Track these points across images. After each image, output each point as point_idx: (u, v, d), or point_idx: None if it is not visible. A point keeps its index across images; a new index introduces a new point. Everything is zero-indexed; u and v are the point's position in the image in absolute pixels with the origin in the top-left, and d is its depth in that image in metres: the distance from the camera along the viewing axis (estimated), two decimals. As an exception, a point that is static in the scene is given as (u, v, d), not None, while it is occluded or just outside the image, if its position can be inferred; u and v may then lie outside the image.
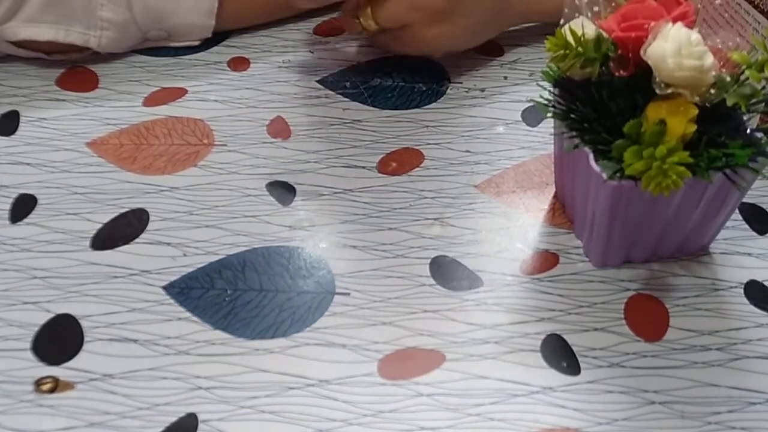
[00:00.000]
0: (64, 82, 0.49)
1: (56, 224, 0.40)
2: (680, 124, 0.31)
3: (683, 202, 0.34)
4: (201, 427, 0.32)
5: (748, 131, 0.33)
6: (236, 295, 0.37)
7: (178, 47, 0.51)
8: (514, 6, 0.48)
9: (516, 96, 0.48)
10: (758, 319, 0.36)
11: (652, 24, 0.31)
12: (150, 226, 0.40)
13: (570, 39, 0.33)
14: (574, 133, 0.34)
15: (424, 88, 0.49)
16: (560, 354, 0.35)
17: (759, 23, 0.37)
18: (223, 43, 0.52)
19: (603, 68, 0.33)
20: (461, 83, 0.49)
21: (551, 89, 0.36)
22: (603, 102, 0.34)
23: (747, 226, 0.40)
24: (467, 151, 0.44)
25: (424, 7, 0.44)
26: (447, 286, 0.37)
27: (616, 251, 0.37)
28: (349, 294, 0.37)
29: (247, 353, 0.35)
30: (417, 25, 0.45)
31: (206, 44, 0.52)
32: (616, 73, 0.33)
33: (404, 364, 0.34)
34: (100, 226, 0.40)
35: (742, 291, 0.37)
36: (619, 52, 0.33)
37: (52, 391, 0.33)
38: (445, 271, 0.38)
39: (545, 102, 0.36)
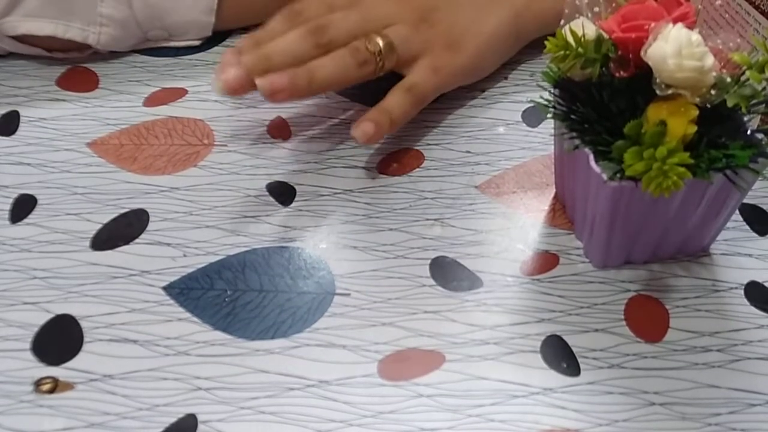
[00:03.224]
0: (64, 82, 0.49)
1: (56, 224, 0.40)
2: (681, 124, 0.30)
3: (683, 203, 0.34)
4: (201, 427, 0.32)
5: (749, 132, 0.33)
6: (236, 296, 0.37)
7: (178, 47, 0.51)
8: (527, 28, 0.48)
9: (516, 96, 0.48)
10: (759, 320, 0.36)
11: (653, 25, 0.31)
12: (150, 227, 0.40)
13: (570, 40, 0.33)
14: (574, 134, 0.34)
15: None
16: (560, 355, 0.35)
17: (760, 24, 0.37)
18: (224, 43, 0.52)
19: (603, 69, 0.33)
20: (461, 84, 0.49)
21: (551, 90, 0.36)
22: (603, 103, 0.34)
23: (747, 227, 0.40)
24: (467, 152, 0.44)
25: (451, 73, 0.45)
26: (447, 286, 0.37)
27: (616, 252, 0.37)
28: (349, 294, 0.37)
29: (247, 354, 0.35)
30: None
31: (207, 44, 0.52)
32: (617, 74, 0.33)
33: (404, 364, 0.34)
34: (100, 226, 0.40)
35: (742, 292, 0.37)
36: (620, 52, 0.33)
37: (51, 391, 0.33)
38: (446, 272, 0.38)
39: (545, 103, 0.36)
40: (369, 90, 0.44)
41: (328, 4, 0.44)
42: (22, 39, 0.48)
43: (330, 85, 0.42)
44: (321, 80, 0.40)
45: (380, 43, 0.42)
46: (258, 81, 0.39)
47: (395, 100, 0.42)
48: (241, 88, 0.40)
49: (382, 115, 0.42)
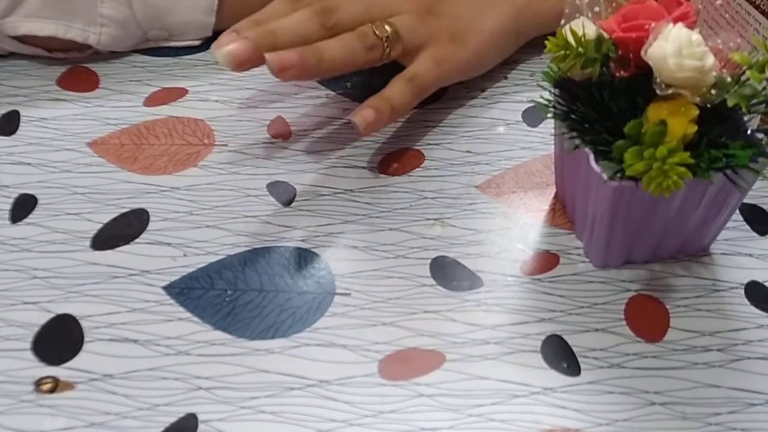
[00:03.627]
0: (64, 82, 0.49)
1: (56, 224, 0.40)
2: (681, 124, 0.30)
3: (684, 202, 0.34)
4: (201, 427, 0.32)
5: (749, 132, 0.33)
6: (236, 296, 0.37)
7: (179, 47, 0.51)
8: (527, 26, 0.48)
9: (517, 96, 0.48)
10: (759, 320, 0.36)
11: (653, 24, 0.31)
12: (150, 226, 0.40)
13: (570, 39, 0.33)
14: (574, 134, 0.34)
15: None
16: (561, 355, 0.35)
17: (760, 24, 0.37)
18: (224, 43, 0.52)
19: (603, 69, 0.33)
20: (462, 83, 0.49)
21: (552, 90, 0.36)
22: (603, 102, 0.34)
23: (748, 227, 0.40)
24: (468, 152, 0.44)
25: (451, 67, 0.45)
26: (447, 286, 0.37)
27: (616, 252, 0.37)
28: (349, 294, 0.37)
29: (247, 353, 0.35)
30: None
31: (207, 44, 0.52)
32: (617, 74, 0.33)
33: (404, 364, 0.34)
34: (100, 226, 0.40)
35: (742, 292, 0.37)
36: (620, 52, 0.33)
37: (52, 391, 0.33)
38: (446, 272, 0.38)
39: (546, 102, 0.36)
40: (369, 90, 0.44)
41: None
42: (22, 39, 0.48)
43: (337, 67, 0.41)
44: (329, 61, 0.40)
45: (388, 29, 0.42)
46: (267, 56, 0.38)
47: (396, 90, 0.42)
48: (247, 61, 0.38)
49: (382, 102, 0.42)
